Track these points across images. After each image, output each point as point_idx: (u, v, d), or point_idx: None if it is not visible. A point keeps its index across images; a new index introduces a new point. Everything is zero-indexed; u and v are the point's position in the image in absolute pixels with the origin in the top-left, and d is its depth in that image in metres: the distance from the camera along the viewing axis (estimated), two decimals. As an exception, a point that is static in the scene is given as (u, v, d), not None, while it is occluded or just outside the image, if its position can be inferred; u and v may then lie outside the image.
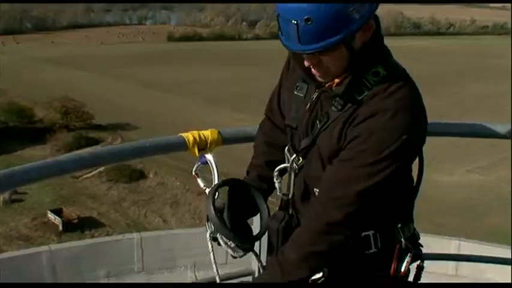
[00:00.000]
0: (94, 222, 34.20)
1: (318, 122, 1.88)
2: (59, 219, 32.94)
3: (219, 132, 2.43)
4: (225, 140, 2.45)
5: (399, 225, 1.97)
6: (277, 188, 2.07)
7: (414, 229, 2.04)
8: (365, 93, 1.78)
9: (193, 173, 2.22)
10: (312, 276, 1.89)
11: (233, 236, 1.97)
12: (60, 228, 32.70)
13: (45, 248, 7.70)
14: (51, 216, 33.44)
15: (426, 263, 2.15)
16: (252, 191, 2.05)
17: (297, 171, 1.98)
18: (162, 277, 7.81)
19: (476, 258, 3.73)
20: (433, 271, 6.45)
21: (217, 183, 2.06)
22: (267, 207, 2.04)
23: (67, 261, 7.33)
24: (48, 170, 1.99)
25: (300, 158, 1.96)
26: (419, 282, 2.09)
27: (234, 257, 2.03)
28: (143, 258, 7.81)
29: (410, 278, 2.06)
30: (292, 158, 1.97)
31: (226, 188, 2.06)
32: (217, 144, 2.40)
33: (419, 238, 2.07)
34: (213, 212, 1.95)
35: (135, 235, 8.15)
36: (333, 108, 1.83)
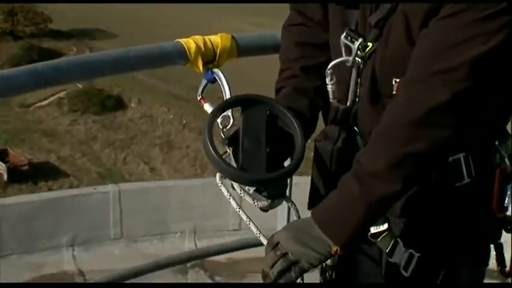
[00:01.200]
0: (52, 170, 34.66)
1: None
2: (3, 165, 33.42)
3: (233, 37, 2.42)
4: (240, 49, 2.44)
5: (496, 143, 2.01)
6: (331, 92, 2.08)
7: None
8: None
9: (198, 96, 2.21)
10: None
11: (238, 173, 1.93)
12: (5, 177, 33.20)
13: (-15, 204, 7.84)
14: (-9, 160, 33.91)
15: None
16: (276, 107, 2.03)
17: (361, 65, 1.99)
18: (149, 247, 7.91)
19: None
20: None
21: (223, 101, 2.04)
22: (301, 128, 2.00)
23: (15, 222, 7.46)
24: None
25: (369, 44, 1.97)
26: None
27: (263, 210, 2.00)
28: (122, 220, 7.90)
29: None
30: (357, 45, 1.98)
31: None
32: (230, 55, 2.39)
33: None
34: (207, 138, 1.91)
35: (111, 188, 8.23)
36: None
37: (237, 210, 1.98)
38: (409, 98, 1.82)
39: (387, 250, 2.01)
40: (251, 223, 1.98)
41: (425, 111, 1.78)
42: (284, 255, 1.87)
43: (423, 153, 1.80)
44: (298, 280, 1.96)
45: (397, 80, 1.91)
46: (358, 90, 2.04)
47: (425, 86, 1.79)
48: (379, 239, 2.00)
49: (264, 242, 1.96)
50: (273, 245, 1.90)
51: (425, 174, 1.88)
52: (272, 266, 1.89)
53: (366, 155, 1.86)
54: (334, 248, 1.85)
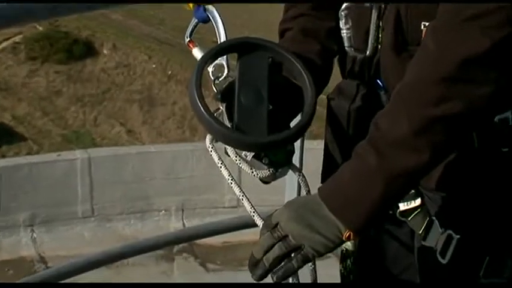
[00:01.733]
0: (6, 132, 34.68)
1: None
2: None
3: (230, -33, 2.42)
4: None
5: None
6: (346, 38, 2.08)
7: None
8: None
9: (187, 38, 2.21)
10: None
11: (233, 134, 1.90)
12: None
13: None
14: None
15: None
16: (280, 54, 2.01)
17: (383, 4, 1.99)
18: (126, 227, 7.97)
19: None
20: None
21: (216, 45, 2.02)
22: (312, 79, 1.97)
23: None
24: None
25: None
26: None
27: (264, 182, 1.99)
28: (93, 194, 7.94)
29: None
30: None
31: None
32: (226, -11, 2.40)
33: None
34: (195, 91, 1.88)
35: (79, 154, 8.27)
36: None
37: (229, 181, 1.94)
38: (439, 48, 1.78)
39: (420, 231, 2.00)
40: (244, 198, 1.93)
41: (458, 64, 1.74)
42: (283, 238, 1.81)
43: (456, 116, 1.76)
44: (307, 276, 1.97)
45: (426, 24, 1.88)
46: (380, 35, 2.03)
47: (459, 34, 1.76)
48: (410, 218, 2.00)
49: (260, 223, 1.90)
50: (271, 227, 1.84)
51: (458, 142, 1.84)
52: (267, 251, 1.83)
53: (385, 118, 1.82)
54: (346, 233, 1.79)
